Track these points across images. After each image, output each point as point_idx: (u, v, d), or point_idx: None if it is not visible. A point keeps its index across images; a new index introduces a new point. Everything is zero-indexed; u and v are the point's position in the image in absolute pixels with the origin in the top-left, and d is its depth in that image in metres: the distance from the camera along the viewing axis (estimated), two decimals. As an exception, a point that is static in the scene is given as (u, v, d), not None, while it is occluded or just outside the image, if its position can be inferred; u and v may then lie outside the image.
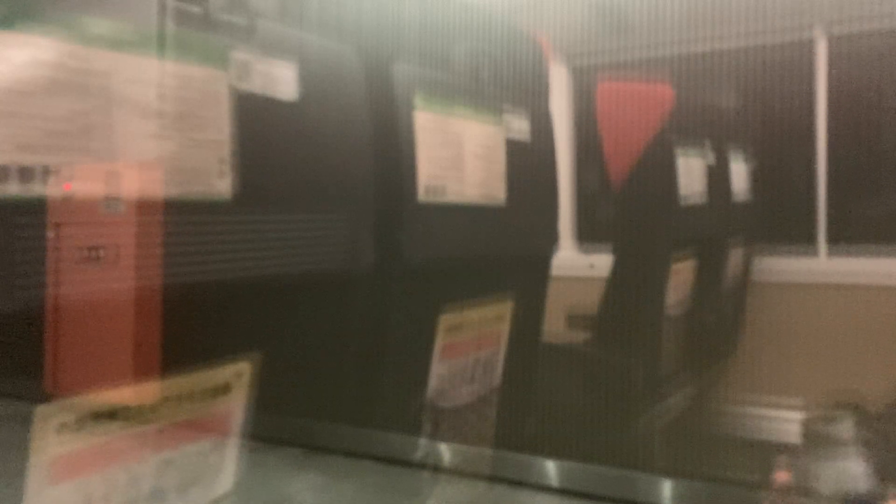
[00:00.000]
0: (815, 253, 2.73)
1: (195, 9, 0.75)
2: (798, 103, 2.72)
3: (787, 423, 2.50)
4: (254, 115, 0.81)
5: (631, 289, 2.06)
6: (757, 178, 2.69)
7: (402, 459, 0.84)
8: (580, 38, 2.87)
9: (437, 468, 0.84)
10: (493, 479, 0.79)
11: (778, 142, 2.84)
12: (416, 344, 1.14)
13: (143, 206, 0.68)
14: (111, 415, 0.69)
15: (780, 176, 2.87)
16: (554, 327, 1.73)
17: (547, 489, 0.75)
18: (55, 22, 0.63)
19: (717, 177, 2.30)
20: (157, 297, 0.69)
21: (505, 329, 1.34)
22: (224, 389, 0.80)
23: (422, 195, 1.06)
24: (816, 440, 1.81)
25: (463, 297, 1.20)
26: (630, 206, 2.12)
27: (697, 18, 2.63)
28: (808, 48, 2.70)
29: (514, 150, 1.27)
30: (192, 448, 0.77)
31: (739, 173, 2.54)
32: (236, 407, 0.82)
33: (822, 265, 2.71)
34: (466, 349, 1.23)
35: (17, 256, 0.61)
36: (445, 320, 1.16)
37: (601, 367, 2.01)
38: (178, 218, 0.72)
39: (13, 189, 0.59)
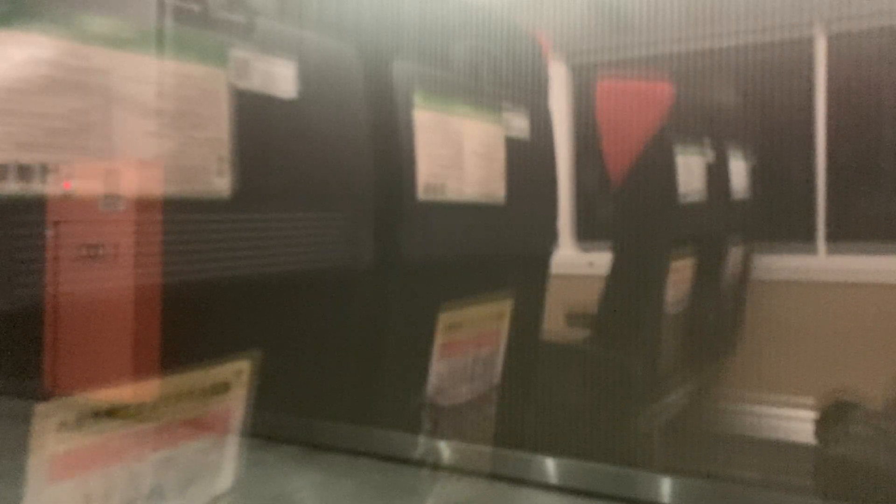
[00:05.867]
0: (814, 251, 2.73)
1: (194, 7, 0.75)
2: (797, 101, 2.72)
3: (786, 420, 2.50)
4: (253, 113, 0.81)
5: (630, 287, 2.06)
6: (756, 176, 2.69)
7: (401, 457, 0.84)
8: (580, 35, 2.87)
9: (436, 466, 0.84)
10: (493, 476, 0.79)
11: (777, 139, 2.84)
12: (415, 342, 1.14)
13: (143, 205, 0.68)
14: (111, 413, 0.69)
15: (779, 174, 2.87)
16: (553, 325, 1.73)
17: (546, 487, 0.75)
18: (54, 20, 0.63)
19: (717, 175, 2.30)
20: (156, 295, 0.69)
21: (504, 327, 1.34)
22: (223, 387, 0.80)
23: (421, 193, 1.06)
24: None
25: (462, 295, 1.20)
26: (629, 204, 2.12)
27: (697, 16, 2.63)
28: (807, 46, 2.70)
29: (514, 149, 1.27)
30: (191, 446, 0.77)
31: (739, 171, 2.54)
32: (236, 405, 0.82)
33: (821, 263, 2.71)
34: (466, 347, 1.23)
35: (17, 254, 0.61)
36: (445, 318, 1.16)
37: (601, 365, 2.01)
38: (177, 216, 0.72)
39: (12, 187, 0.59)
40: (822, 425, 2.00)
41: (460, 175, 1.14)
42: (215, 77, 0.76)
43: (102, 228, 0.65)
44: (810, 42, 2.70)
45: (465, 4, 1.26)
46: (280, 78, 0.84)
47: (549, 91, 1.45)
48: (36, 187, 0.61)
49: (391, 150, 1.02)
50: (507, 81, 1.31)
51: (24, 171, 0.60)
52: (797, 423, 2.33)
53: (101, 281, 0.65)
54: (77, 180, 0.63)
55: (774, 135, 2.82)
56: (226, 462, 0.81)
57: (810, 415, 2.06)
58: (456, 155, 1.13)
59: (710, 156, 2.27)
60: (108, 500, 0.69)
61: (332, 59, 0.95)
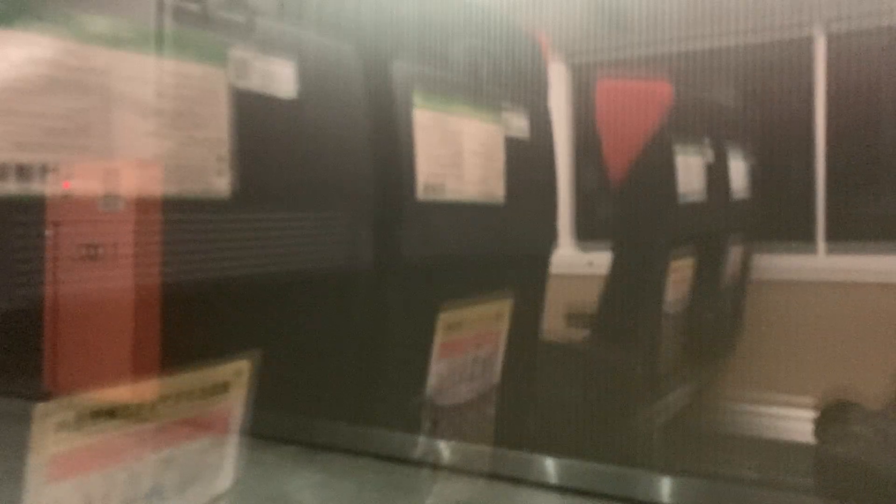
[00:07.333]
0: (813, 250, 2.73)
1: (193, 6, 0.75)
2: (797, 101, 2.72)
3: (785, 420, 2.50)
4: (252, 113, 0.81)
5: (630, 286, 2.06)
6: (756, 176, 2.69)
7: (401, 457, 0.84)
8: (579, 35, 2.87)
9: (436, 466, 0.84)
10: (493, 476, 0.79)
11: (777, 139, 2.84)
12: (415, 342, 1.14)
13: (142, 204, 0.68)
14: (110, 413, 0.69)
15: (778, 173, 2.87)
16: (553, 325, 1.73)
17: (546, 486, 0.75)
18: (53, 19, 0.63)
19: (716, 174, 2.30)
20: (155, 295, 0.69)
21: (504, 327, 1.34)
22: (223, 387, 0.80)
23: (421, 193, 1.06)
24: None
25: (462, 294, 1.20)
26: (629, 204, 2.12)
27: (697, 16, 2.63)
28: (807, 46, 2.70)
29: (514, 148, 1.27)
30: (191, 446, 0.77)
31: (738, 171, 2.54)
32: (235, 405, 0.82)
33: (821, 262, 2.71)
34: (465, 347, 1.23)
35: (16, 254, 0.61)
36: (444, 318, 1.16)
37: (600, 364, 2.01)
38: (177, 216, 0.72)
39: (11, 187, 0.59)
40: (821, 425, 2.00)
41: (460, 175, 1.14)
42: (215, 77, 0.76)
43: (102, 228, 0.65)
44: (810, 42, 2.70)
45: (465, 4, 1.26)
46: (280, 78, 0.84)
47: (549, 90, 1.45)
48: (35, 187, 0.61)
49: (391, 149, 1.02)
50: (507, 81, 1.31)
51: (23, 171, 0.60)
52: (797, 423, 2.33)
53: (100, 281, 0.65)
54: (77, 180, 0.63)
55: (774, 135, 2.82)
56: (225, 462, 0.81)
57: (810, 415, 2.06)
58: (455, 154, 1.13)
59: (710, 156, 2.27)
60: (108, 500, 0.69)
61: (332, 59, 0.95)
